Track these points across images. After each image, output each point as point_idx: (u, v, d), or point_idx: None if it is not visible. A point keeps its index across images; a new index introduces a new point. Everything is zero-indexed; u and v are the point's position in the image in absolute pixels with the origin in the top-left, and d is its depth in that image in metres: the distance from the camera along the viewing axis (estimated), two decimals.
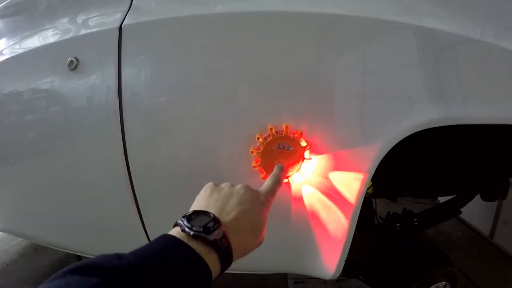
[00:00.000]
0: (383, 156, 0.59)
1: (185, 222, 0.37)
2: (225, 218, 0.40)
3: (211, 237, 0.36)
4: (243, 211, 0.42)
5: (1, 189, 0.95)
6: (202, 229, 0.36)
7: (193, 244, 0.35)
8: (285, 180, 0.60)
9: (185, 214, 0.39)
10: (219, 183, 0.47)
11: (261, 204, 0.45)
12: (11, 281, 1.34)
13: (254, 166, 0.60)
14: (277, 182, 0.52)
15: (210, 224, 0.37)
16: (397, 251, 0.92)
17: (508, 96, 0.57)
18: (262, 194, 0.47)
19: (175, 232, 0.37)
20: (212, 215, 0.39)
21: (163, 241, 0.35)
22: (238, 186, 0.46)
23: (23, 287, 1.31)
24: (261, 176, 0.60)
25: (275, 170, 0.56)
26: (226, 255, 0.37)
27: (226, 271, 0.38)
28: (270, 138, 0.58)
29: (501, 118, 0.58)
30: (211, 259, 0.35)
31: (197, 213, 0.39)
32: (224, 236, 0.37)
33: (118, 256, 0.31)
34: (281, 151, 0.59)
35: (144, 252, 0.33)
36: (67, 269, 0.29)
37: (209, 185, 0.47)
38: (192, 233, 0.35)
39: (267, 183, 0.51)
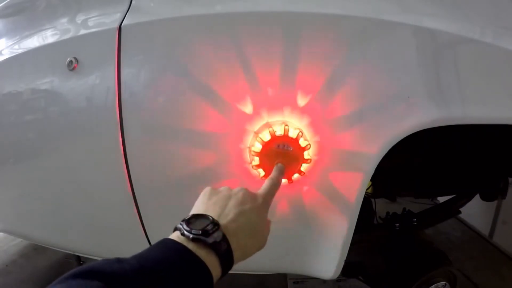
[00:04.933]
0: (382, 156, 0.59)
1: (184, 226, 0.37)
2: (224, 220, 0.40)
3: (210, 240, 0.36)
4: (241, 212, 0.42)
5: (0, 189, 0.95)
6: (201, 232, 0.36)
7: (193, 247, 0.35)
8: (285, 181, 0.60)
9: (184, 218, 0.39)
10: (217, 186, 0.48)
11: (259, 205, 0.45)
12: (10, 282, 1.34)
13: (254, 166, 0.60)
14: (275, 184, 0.52)
15: (209, 227, 0.37)
16: (397, 251, 0.92)
17: (507, 96, 0.57)
18: (260, 196, 0.47)
19: (175, 236, 0.37)
20: (211, 218, 0.39)
21: (163, 245, 0.36)
22: (236, 189, 0.46)
23: (22, 287, 1.31)
24: (260, 176, 0.60)
25: (274, 172, 0.56)
26: (226, 257, 0.37)
27: None
28: (270, 138, 0.58)
29: (501, 118, 0.58)
30: (212, 262, 0.36)
31: (196, 216, 0.40)
32: (224, 239, 0.38)
33: (119, 260, 0.32)
34: (281, 151, 0.58)
35: (145, 256, 0.33)
36: (69, 273, 0.29)
37: (207, 189, 0.47)
38: (191, 236, 0.36)
39: (265, 185, 0.51)
